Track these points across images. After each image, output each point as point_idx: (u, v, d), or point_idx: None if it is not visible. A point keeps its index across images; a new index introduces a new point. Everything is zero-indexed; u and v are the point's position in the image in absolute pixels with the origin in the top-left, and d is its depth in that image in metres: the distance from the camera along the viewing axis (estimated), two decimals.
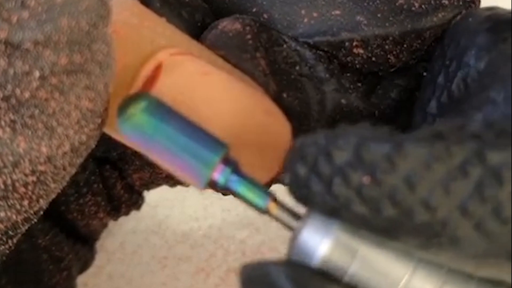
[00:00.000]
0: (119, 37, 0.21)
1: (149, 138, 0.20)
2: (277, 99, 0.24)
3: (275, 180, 0.24)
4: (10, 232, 0.22)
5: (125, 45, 0.20)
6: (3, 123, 0.19)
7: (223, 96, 0.22)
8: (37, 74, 0.18)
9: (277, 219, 0.20)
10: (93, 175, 0.29)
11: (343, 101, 0.25)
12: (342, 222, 0.19)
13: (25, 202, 0.21)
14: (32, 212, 0.21)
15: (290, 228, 0.20)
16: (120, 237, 0.43)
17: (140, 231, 0.44)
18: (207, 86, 0.22)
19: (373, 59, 0.25)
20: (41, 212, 0.22)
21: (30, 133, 0.19)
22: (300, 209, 0.20)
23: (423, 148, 0.17)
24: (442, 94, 0.23)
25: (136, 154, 0.30)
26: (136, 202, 0.32)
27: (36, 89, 0.18)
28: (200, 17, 0.25)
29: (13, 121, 0.19)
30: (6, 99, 0.18)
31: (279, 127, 0.23)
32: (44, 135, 0.19)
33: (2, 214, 0.20)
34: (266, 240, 0.43)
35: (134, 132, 0.20)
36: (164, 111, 0.21)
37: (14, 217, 0.21)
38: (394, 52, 0.25)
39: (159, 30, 0.22)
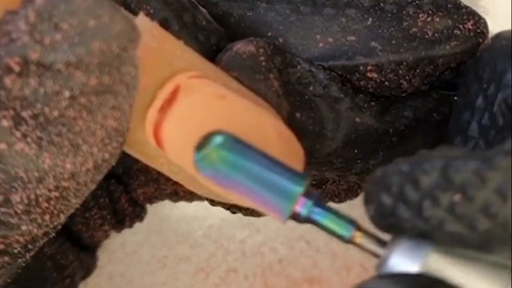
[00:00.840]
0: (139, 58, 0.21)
1: (227, 175, 0.20)
2: (290, 120, 0.24)
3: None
4: (29, 246, 0.22)
5: (145, 67, 0.20)
6: (29, 140, 0.19)
7: (238, 120, 0.22)
8: (67, 94, 0.19)
9: (362, 247, 0.20)
10: (99, 189, 0.30)
11: (357, 119, 0.26)
12: (429, 246, 0.19)
13: (47, 217, 0.21)
14: (52, 226, 0.22)
15: (376, 255, 0.20)
16: (121, 236, 0.43)
17: (140, 230, 0.44)
18: (222, 110, 0.22)
19: (386, 83, 0.25)
20: (59, 227, 0.22)
21: (55, 150, 0.19)
22: (385, 235, 0.20)
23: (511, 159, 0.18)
24: (483, 117, 0.23)
25: (141, 170, 0.30)
26: (139, 215, 0.33)
27: (65, 108, 0.19)
28: (215, 40, 0.25)
29: (40, 138, 0.19)
30: (34, 117, 0.19)
31: (292, 150, 0.23)
32: (69, 152, 0.20)
33: (24, 227, 0.21)
34: (266, 240, 0.44)
35: (211, 171, 0.20)
36: (240, 148, 0.20)
37: (35, 231, 0.21)
38: (407, 77, 0.25)
39: (178, 53, 0.22)
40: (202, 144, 0.21)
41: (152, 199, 0.32)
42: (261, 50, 0.24)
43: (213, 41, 0.25)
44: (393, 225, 0.19)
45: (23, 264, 0.23)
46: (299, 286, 0.42)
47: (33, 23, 0.18)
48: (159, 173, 0.30)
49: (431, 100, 0.26)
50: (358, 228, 0.20)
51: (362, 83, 0.25)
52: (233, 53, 0.24)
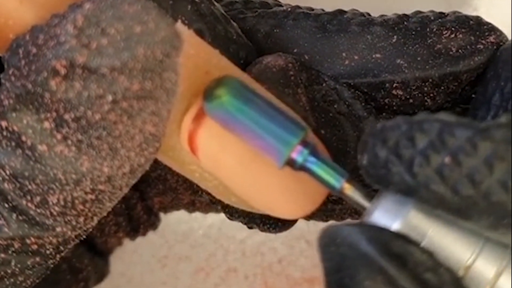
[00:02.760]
0: None
1: (233, 118, 0.21)
2: (315, 135, 0.25)
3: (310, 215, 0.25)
4: (61, 247, 0.22)
5: (181, 74, 0.21)
6: (70, 142, 0.19)
7: None
8: (109, 98, 0.19)
9: (350, 199, 0.21)
10: None
11: None
12: (414, 204, 0.20)
13: (81, 219, 0.21)
14: (85, 229, 0.22)
15: (362, 208, 0.21)
16: None
17: None
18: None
19: (411, 101, 0.26)
20: (90, 230, 0.22)
21: (94, 153, 0.20)
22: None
23: (504, 132, 0.18)
24: (498, 113, 0.24)
25: (159, 178, 0.30)
26: (153, 223, 0.33)
27: (107, 112, 0.19)
28: (244, 54, 0.26)
29: (80, 141, 0.19)
30: (76, 120, 0.19)
31: None
32: (108, 156, 0.20)
33: (58, 229, 0.21)
34: (266, 240, 0.44)
35: (219, 112, 0.21)
36: (249, 94, 0.22)
37: (69, 233, 0.21)
38: (432, 95, 0.26)
39: (214, 61, 0.23)
40: (214, 87, 0.22)
41: (168, 209, 0.32)
42: (290, 65, 0.25)
43: (241, 55, 0.25)
44: (383, 177, 0.20)
45: (52, 266, 0.23)
46: (299, 286, 0.43)
47: (81, 27, 0.18)
48: (177, 182, 0.31)
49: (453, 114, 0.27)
50: (349, 180, 0.21)
51: (387, 100, 0.26)
52: (263, 66, 0.25)
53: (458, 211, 0.19)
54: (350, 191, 0.21)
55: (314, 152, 0.22)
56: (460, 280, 0.20)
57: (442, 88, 0.26)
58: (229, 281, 0.43)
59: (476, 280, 0.20)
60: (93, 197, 0.20)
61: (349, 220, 0.28)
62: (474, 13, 0.34)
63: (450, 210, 0.19)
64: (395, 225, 0.20)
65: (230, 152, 0.22)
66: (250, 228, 0.27)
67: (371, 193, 0.21)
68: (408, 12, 0.27)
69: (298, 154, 0.21)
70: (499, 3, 0.42)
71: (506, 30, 0.27)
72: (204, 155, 0.22)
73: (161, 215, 0.45)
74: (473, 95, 0.26)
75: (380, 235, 0.19)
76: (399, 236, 0.20)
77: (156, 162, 0.23)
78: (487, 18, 0.27)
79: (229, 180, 0.23)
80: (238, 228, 0.45)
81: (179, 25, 0.21)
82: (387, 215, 0.20)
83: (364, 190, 0.21)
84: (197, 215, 0.45)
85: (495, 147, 0.18)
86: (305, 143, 0.21)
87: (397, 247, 0.19)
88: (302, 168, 0.22)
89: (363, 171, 0.20)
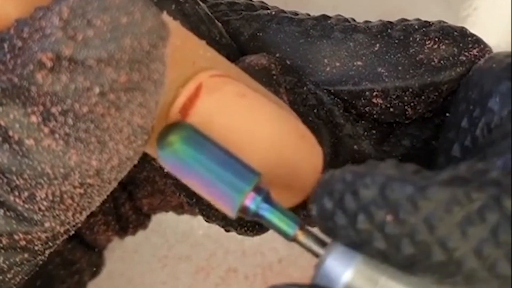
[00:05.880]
0: None
1: (185, 165, 0.21)
2: None
3: (304, 204, 0.25)
4: (50, 243, 0.22)
5: (168, 65, 0.20)
6: (57, 136, 0.19)
7: (260, 118, 0.23)
8: (97, 90, 0.19)
9: (303, 246, 0.21)
10: None
11: (355, 147, 0.26)
12: (362, 255, 0.20)
13: (70, 214, 0.21)
14: (73, 223, 0.21)
15: (316, 255, 0.21)
16: None
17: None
18: (244, 108, 0.22)
19: (391, 109, 0.26)
20: (80, 225, 0.22)
21: (82, 146, 0.19)
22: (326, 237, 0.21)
23: (444, 192, 0.18)
24: (466, 138, 0.23)
25: (147, 180, 0.30)
26: (143, 223, 0.33)
27: (94, 105, 0.19)
28: (225, 54, 0.25)
29: (68, 135, 0.19)
30: (64, 113, 0.19)
31: (312, 150, 0.24)
32: (96, 149, 0.20)
33: (47, 224, 0.21)
34: (266, 240, 0.44)
35: (171, 159, 0.21)
36: (201, 141, 0.21)
37: (57, 228, 0.21)
38: (412, 104, 0.26)
39: (200, 52, 0.23)
40: (166, 133, 0.21)
41: (157, 210, 0.32)
42: (273, 65, 0.25)
43: (224, 55, 0.25)
44: (331, 229, 0.20)
45: (41, 262, 0.23)
46: None
47: (67, 19, 0.18)
48: (165, 184, 0.31)
49: (432, 126, 0.27)
50: (302, 227, 0.21)
51: (367, 108, 0.26)
52: (246, 64, 0.25)
53: (403, 268, 0.19)
54: (304, 238, 0.21)
55: (267, 199, 0.21)
56: None
57: (423, 98, 0.25)
58: (229, 281, 0.43)
59: None
60: (81, 191, 0.20)
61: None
62: (474, 12, 0.33)
63: (394, 266, 0.19)
64: (346, 274, 0.20)
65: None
66: (227, 231, 0.27)
67: (324, 240, 0.21)
68: (407, 11, 0.27)
69: (251, 201, 0.21)
70: (499, 3, 0.42)
71: (506, 29, 0.27)
72: None
73: (161, 214, 0.45)
74: (447, 114, 0.26)
75: None
76: None
77: (143, 163, 0.23)
78: (487, 17, 0.27)
79: None
80: None
81: (165, 16, 0.21)
82: (339, 263, 0.20)
83: (317, 237, 0.21)
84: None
85: (435, 207, 0.18)
86: (258, 190, 0.21)
87: None
88: (256, 215, 0.21)
89: (315, 221, 0.20)
